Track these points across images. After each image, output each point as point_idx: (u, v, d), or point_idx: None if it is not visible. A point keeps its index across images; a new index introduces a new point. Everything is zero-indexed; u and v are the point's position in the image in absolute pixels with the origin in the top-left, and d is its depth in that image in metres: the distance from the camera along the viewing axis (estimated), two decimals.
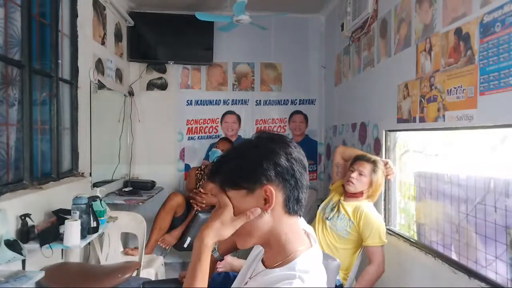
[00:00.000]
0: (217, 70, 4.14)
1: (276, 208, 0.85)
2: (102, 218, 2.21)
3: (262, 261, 0.93)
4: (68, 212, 2.04)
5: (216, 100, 4.16)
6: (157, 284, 2.09)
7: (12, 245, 1.66)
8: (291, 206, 0.86)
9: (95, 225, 2.09)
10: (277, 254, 0.88)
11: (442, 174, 2.07)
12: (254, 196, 0.84)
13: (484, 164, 1.79)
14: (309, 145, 4.20)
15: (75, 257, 2.51)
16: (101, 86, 3.06)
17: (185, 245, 3.20)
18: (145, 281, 1.97)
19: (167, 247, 3.29)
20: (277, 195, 0.84)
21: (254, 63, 4.17)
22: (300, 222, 0.93)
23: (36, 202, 2.05)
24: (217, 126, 4.16)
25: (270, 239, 0.88)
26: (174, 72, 4.09)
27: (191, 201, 3.32)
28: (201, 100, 4.14)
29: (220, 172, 0.88)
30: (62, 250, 2.23)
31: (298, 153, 0.88)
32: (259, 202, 0.84)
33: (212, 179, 0.89)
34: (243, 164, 0.86)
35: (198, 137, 4.14)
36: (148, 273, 2.61)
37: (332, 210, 2.31)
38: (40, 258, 1.90)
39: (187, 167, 4.09)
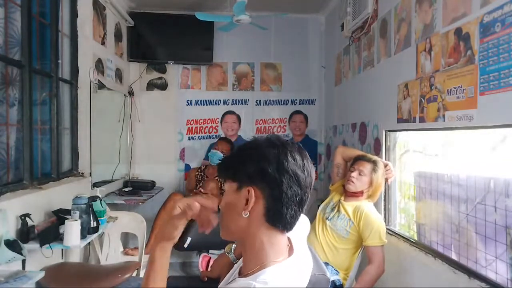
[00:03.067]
0: (217, 70, 4.14)
1: (256, 213, 0.84)
2: (102, 218, 2.21)
3: (240, 268, 0.93)
4: (68, 212, 2.04)
5: (216, 100, 4.16)
6: (182, 280, 2.12)
7: (12, 245, 1.66)
8: (271, 218, 0.84)
9: (95, 225, 2.09)
10: (250, 261, 0.86)
11: (442, 174, 2.07)
12: (240, 194, 0.85)
13: (484, 164, 1.79)
14: (309, 145, 4.20)
15: (75, 257, 2.51)
16: (101, 86, 3.06)
17: (185, 245, 3.19)
18: (170, 276, 1.98)
19: None
20: (258, 201, 0.83)
21: (254, 63, 4.17)
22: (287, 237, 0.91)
23: (36, 202, 2.05)
24: (217, 126, 4.16)
25: (246, 242, 0.88)
26: (174, 72, 4.09)
27: None
28: (201, 100, 4.14)
29: (223, 166, 0.92)
30: (62, 250, 2.23)
31: (294, 165, 0.83)
32: (242, 200, 0.85)
33: (219, 173, 0.94)
34: (238, 162, 0.87)
35: (198, 137, 4.14)
36: None
37: (332, 210, 2.32)
38: (40, 258, 1.90)
39: (187, 167, 4.09)
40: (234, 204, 0.86)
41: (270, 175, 0.82)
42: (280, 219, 0.84)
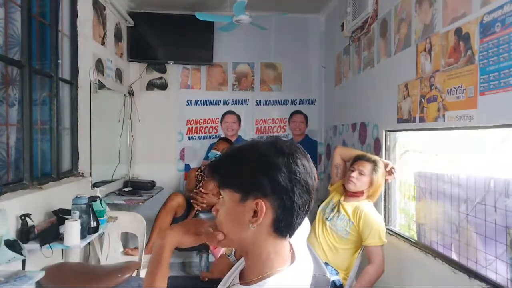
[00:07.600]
0: (217, 70, 4.14)
1: (264, 225, 0.79)
2: (102, 218, 2.21)
3: (241, 273, 0.90)
4: (68, 212, 2.04)
5: (216, 100, 4.16)
6: (182, 280, 2.12)
7: (12, 245, 1.66)
8: (280, 228, 0.80)
9: (95, 225, 2.09)
10: (253, 269, 0.83)
11: (442, 174, 2.07)
12: (245, 205, 0.80)
13: (484, 164, 1.79)
14: (309, 145, 4.20)
15: (75, 257, 2.51)
16: (101, 86, 3.06)
17: None
18: (170, 276, 1.99)
19: None
20: (268, 212, 0.78)
21: (254, 63, 4.17)
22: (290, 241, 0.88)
23: (36, 202, 2.05)
24: (217, 126, 4.16)
25: (249, 252, 0.84)
26: (174, 72, 4.09)
27: (191, 201, 3.32)
28: (201, 100, 4.14)
29: (219, 171, 0.84)
30: (62, 250, 2.23)
31: (305, 174, 0.80)
32: (248, 213, 0.79)
33: (211, 176, 0.85)
34: (242, 170, 0.81)
35: (198, 137, 4.14)
36: None
37: (332, 210, 2.32)
38: (40, 258, 1.90)
39: (187, 167, 4.09)
40: (238, 216, 0.81)
41: (282, 186, 0.77)
42: (288, 229, 0.81)
